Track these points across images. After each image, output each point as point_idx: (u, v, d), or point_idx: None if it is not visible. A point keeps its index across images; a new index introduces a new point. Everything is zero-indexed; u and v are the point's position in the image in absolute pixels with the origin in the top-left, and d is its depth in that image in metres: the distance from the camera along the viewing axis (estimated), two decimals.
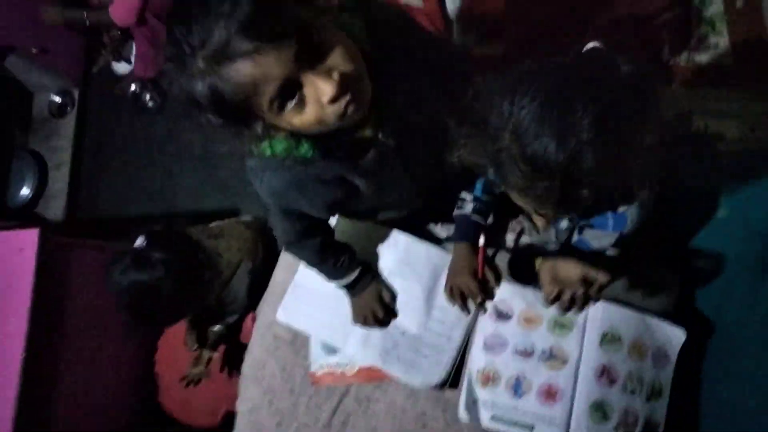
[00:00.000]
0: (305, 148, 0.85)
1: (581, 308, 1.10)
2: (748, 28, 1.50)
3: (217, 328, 1.70)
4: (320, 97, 0.73)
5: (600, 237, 1.03)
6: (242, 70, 0.68)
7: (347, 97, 0.75)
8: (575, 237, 1.10)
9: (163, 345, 1.82)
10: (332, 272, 1.27)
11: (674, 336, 1.15)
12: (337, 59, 0.74)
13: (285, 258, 1.45)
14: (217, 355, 1.67)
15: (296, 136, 0.83)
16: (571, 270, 1.05)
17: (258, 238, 1.80)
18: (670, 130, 1.52)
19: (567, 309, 1.11)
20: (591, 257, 1.10)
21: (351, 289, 1.29)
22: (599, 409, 1.11)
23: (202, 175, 2.54)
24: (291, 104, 0.74)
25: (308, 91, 0.73)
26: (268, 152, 0.83)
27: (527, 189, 0.78)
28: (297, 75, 0.72)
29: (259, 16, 0.67)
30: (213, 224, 1.82)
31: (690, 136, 1.49)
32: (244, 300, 1.67)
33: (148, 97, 2.72)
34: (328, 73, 0.73)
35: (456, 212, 1.26)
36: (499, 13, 1.70)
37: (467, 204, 1.24)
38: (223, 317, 1.70)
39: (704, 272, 1.26)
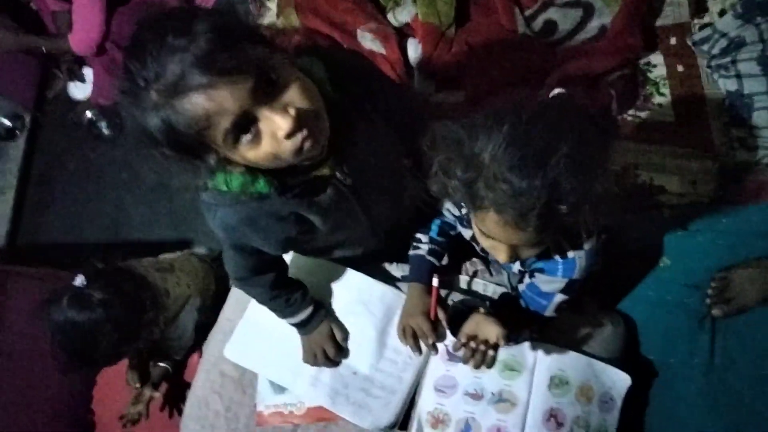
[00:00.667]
0: (261, 184, 0.85)
1: (478, 365, 1.11)
2: (687, 90, 1.60)
3: (161, 365, 1.63)
4: (276, 131, 0.74)
5: (550, 282, 1.06)
6: (196, 103, 0.69)
7: (303, 133, 0.76)
8: (527, 280, 1.12)
9: (101, 381, 1.73)
10: (284, 309, 1.25)
11: (619, 381, 1.18)
12: (294, 95, 0.75)
13: (235, 294, 1.42)
14: (158, 395, 1.60)
15: (253, 172, 0.83)
16: (491, 331, 1.08)
17: (210, 272, 1.76)
18: (619, 182, 1.59)
19: (466, 360, 1.13)
20: (527, 314, 1.14)
21: (302, 327, 1.27)
22: None
23: (155, 206, 2.47)
24: (246, 138, 0.74)
25: (264, 125, 0.74)
26: (223, 187, 0.84)
27: (505, 207, 0.80)
28: (252, 109, 0.72)
29: (215, 51, 0.67)
30: (164, 256, 1.77)
31: (636, 189, 1.56)
32: (191, 337, 1.61)
33: (103, 125, 2.66)
34: (284, 109, 0.73)
35: (411, 253, 1.28)
36: (458, 64, 1.76)
37: (422, 245, 1.26)
38: (168, 354, 1.64)
39: (648, 319, 1.30)
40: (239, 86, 0.69)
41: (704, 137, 1.54)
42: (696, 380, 1.20)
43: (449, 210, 1.16)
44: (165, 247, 2.17)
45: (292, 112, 0.73)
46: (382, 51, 1.69)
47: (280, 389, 1.28)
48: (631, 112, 1.63)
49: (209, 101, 0.69)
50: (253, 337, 1.33)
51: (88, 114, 2.68)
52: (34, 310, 1.33)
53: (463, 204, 0.98)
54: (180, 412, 1.51)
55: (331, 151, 0.88)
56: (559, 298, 1.08)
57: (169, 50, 0.67)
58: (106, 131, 2.66)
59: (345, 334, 1.29)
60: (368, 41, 1.70)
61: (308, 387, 1.25)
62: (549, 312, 1.11)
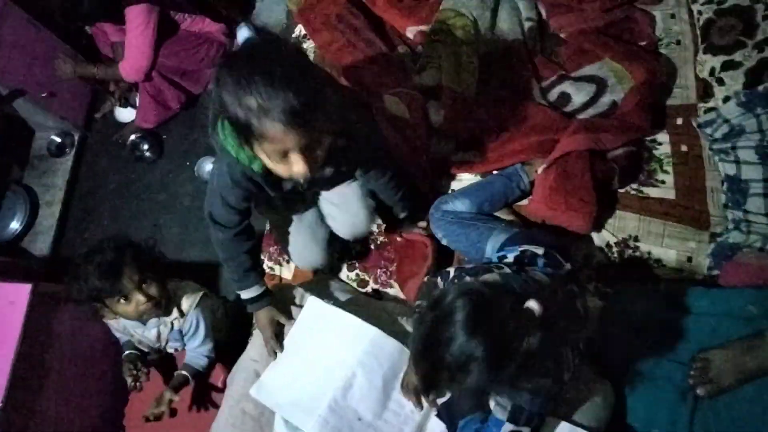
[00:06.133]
0: (258, 166, 1.24)
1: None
2: (690, 169, 1.69)
3: (183, 373, 1.76)
4: (295, 170, 1.13)
5: None
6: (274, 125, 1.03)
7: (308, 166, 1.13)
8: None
9: (135, 398, 1.89)
10: (242, 276, 1.51)
11: None
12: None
13: (259, 335, 1.57)
14: (177, 398, 1.74)
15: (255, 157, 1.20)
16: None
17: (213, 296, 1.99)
18: (620, 253, 1.67)
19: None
20: None
21: (252, 303, 1.54)
22: None
23: (190, 228, 2.64)
24: (283, 159, 1.12)
25: (295, 160, 1.11)
26: (232, 152, 1.22)
27: None
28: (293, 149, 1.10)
29: (296, 106, 1.01)
30: None
31: (635, 260, 1.66)
32: (209, 339, 1.82)
33: (145, 147, 2.85)
34: (314, 158, 1.14)
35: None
36: (476, 128, 1.88)
37: None
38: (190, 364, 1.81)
39: (635, 390, 1.41)
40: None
41: (702, 216, 1.63)
42: None
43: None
44: (194, 268, 2.32)
45: (313, 162, 1.13)
46: (406, 116, 1.81)
47: (293, 429, 1.42)
48: (633, 186, 1.72)
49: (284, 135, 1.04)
50: (280, 379, 1.48)
51: (132, 136, 2.87)
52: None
53: None
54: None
55: None
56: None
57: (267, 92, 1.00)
58: (147, 154, 2.85)
59: (287, 320, 1.56)
60: (394, 106, 1.83)
61: (318, 428, 1.38)
62: None
